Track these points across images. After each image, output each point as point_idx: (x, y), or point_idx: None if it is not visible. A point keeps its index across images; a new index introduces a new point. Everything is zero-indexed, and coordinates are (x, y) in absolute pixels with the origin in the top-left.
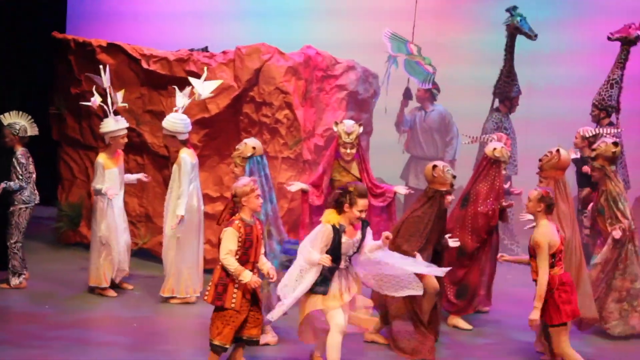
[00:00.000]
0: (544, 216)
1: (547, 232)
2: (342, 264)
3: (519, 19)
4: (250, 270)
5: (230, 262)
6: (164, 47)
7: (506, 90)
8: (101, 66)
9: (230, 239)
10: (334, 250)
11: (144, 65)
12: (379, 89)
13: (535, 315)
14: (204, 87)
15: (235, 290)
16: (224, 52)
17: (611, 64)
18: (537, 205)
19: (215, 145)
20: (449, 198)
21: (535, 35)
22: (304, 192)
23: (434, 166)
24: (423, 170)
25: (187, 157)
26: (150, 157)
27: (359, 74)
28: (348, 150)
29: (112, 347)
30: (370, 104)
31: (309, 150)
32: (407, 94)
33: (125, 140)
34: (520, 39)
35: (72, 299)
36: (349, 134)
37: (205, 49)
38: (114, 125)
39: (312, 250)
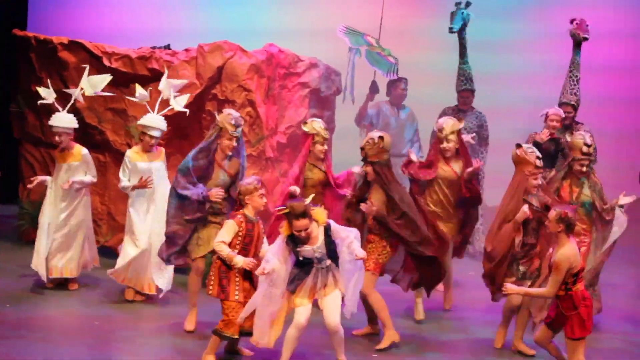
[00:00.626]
0: (565, 236)
1: (569, 255)
2: (318, 264)
3: (454, 10)
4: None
5: (222, 248)
6: (124, 37)
7: (456, 84)
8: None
9: (227, 230)
10: (297, 257)
11: (106, 62)
12: (342, 86)
13: (513, 290)
14: (170, 86)
15: (237, 282)
16: (186, 50)
17: (567, 53)
18: (557, 226)
19: (178, 143)
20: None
21: (450, 29)
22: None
23: (380, 137)
24: (393, 167)
25: None
26: (112, 155)
27: (321, 72)
28: (325, 147)
29: (74, 345)
30: (332, 101)
31: (271, 148)
32: (373, 88)
33: (58, 139)
34: (485, 28)
35: (34, 297)
36: (327, 130)
37: (168, 47)
38: (51, 120)
39: (270, 259)
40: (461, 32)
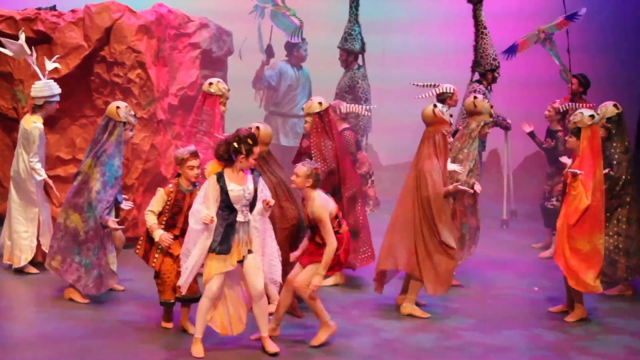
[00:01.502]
0: (312, 190)
1: (324, 204)
2: (241, 217)
3: None
4: (177, 236)
5: (149, 218)
6: (10, 5)
7: None
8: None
9: (157, 200)
10: (225, 201)
11: None
12: (233, 47)
13: (318, 281)
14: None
15: (157, 253)
16: (72, 11)
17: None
18: (305, 181)
19: (66, 106)
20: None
21: None
22: None
23: (257, 127)
24: (292, 128)
25: None
26: None
27: (212, 32)
28: (226, 108)
29: None
30: (224, 62)
31: (162, 110)
32: (269, 52)
33: None
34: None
35: None
36: (228, 90)
37: (54, 8)
38: None
39: (201, 209)
40: None
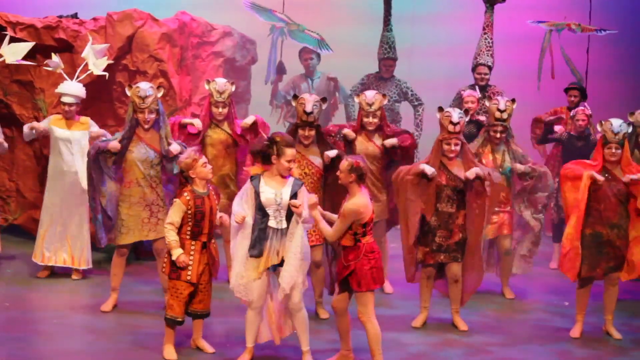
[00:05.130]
0: (357, 186)
1: (360, 204)
2: (274, 223)
3: None
4: (206, 242)
5: (169, 234)
6: (31, 13)
7: (378, 51)
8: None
9: (175, 211)
10: (257, 203)
11: (10, 33)
12: (257, 56)
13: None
14: (93, 52)
15: (190, 264)
16: (94, 19)
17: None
18: (348, 176)
19: (88, 115)
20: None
21: None
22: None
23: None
24: None
25: None
26: (19, 129)
27: (235, 40)
28: (220, 110)
29: None
30: (248, 71)
31: None
32: (280, 69)
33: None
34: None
35: None
36: (220, 93)
37: (75, 16)
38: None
39: (237, 209)
40: None
